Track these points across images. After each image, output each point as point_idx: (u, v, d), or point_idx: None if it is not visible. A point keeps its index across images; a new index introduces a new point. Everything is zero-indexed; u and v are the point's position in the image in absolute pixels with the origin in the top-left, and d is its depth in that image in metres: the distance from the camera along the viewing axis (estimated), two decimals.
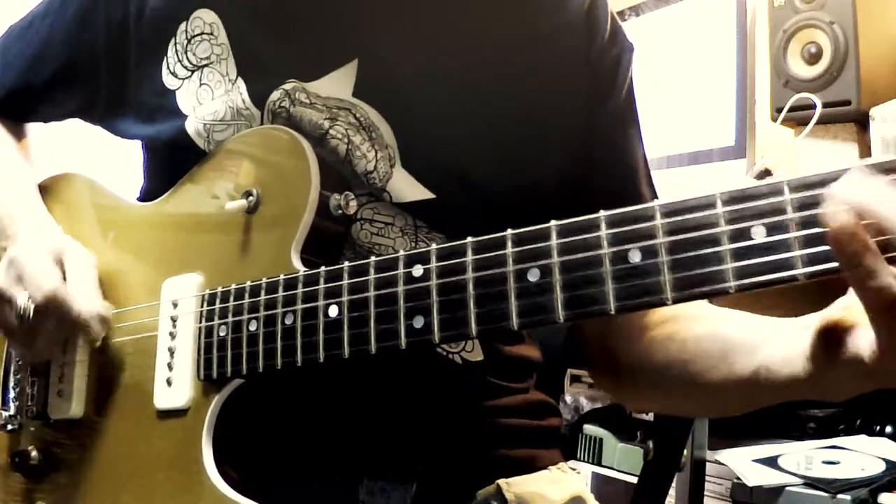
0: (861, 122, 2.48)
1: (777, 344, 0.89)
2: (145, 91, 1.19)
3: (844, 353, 0.78)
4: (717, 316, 1.06)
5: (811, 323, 0.83)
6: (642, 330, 1.14)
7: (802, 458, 1.98)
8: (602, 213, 0.77)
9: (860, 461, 1.93)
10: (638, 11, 3.24)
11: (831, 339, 0.80)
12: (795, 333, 0.86)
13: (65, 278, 1.13)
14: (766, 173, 2.44)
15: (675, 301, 0.73)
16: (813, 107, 2.45)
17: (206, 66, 1.15)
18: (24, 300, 1.10)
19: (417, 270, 0.87)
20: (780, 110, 2.57)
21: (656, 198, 1.19)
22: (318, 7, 1.14)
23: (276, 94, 1.11)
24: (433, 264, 0.86)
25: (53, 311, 1.10)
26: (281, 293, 0.97)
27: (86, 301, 1.11)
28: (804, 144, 2.56)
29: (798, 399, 0.90)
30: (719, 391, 1.00)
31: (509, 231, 0.82)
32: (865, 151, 2.47)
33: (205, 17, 1.16)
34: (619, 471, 2.39)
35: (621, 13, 3.18)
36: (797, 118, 2.57)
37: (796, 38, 2.58)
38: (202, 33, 1.15)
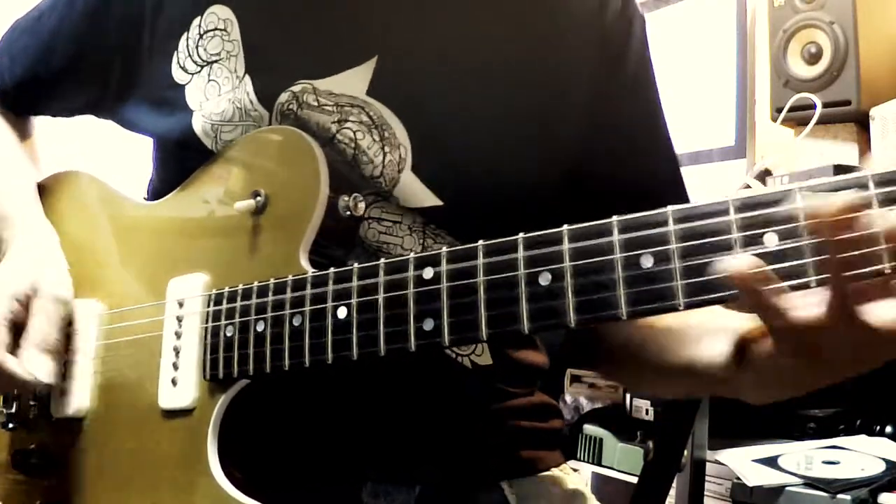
0: (861, 122, 2.48)
1: (704, 343, 0.93)
2: (155, 85, 1.19)
3: (750, 361, 0.83)
4: None
5: (734, 326, 0.88)
6: None
7: (802, 458, 1.98)
8: (615, 217, 0.77)
9: (860, 461, 1.93)
10: None
11: (743, 347, 0.85)
12: (720, 335, 0.90)
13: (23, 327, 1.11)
14: (766, 173, 2.44)
15: (688, 307, 0.73)
16: (813, 107, 2.45)
17: (215, 61, 1.15)
18: None
19: (428, 273, 0.87)
20: (780, 110, 2.58)
21: (677, 171, 1.23)
22: (337, 6, 1.14)
23: (284, 97, 1.11)
24: (443, 267, 0.86)
25: None
26: (289, 294, 0.97)
27: (27, 367, 1.09)
28: (804, 144, 2.56)
29: (722, 395, 0.93)
30: (662, 376, 1.07)
31: (521, 235, 0.82)
32: (865, 151, 2.47)
33: (219, 13, 1.15)
34: (619, 471, 2.39)
35: None
36: (797, 118, 2.58)
37: (796, 38, 2.59)
38: (215, 29, 1.15)
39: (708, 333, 0.94)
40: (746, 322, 0.85)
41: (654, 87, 1.26)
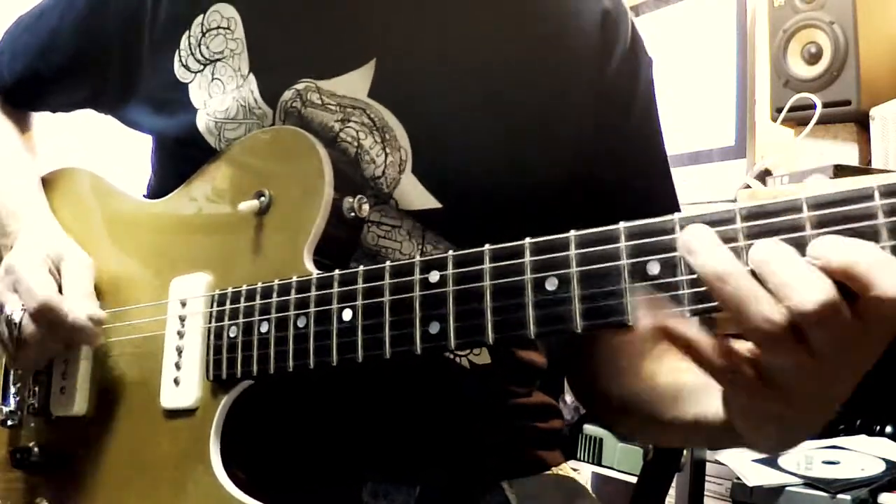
0: (861, 122, 2.48)
1: (714, 395, 0.90)
2: (157, 83, 1.19)
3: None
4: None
5: None
6: (614, 360, 1.17)
7: (802, 458, 1.98)
8: (622, 224, 0.77)
9: (860, 461, 1.93)
10: (638, 11, 3.22)
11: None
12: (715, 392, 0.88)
13: (61, 285, 1.13)
14: (766, 173, 2.45)
15: (694, 314, 0.73)
16: (813, 107, 2.46)
17: (219, 60, 1.15)
18: (16, 308, 1.12)
19: (434, 276, 0.86)
20: (780, 110, 2.58)
21: (673, 203, 1.20)
22: (338, 6, 1.14)
23: (288, 94, 1.11)
24: (450, 271, 0.86)
25: (46, 319, 1.11)
26: (294, 295, 0.97)
27: (79, 308, 1.11)
28: (804, 144, 2.56)
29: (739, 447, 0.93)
30: (670, 430, 1.06)
31: (528, 240, 0.82)
32: (865, 151, 2.48)
33: (223, 12, 1.15)
34: (619, 471, 2.39)
35: None
36: (797, 118, 2.58)
37: (796, 38, 2.59)
38: (218, 27, 1.15)
39: (712, 388, 0.92)
40: None
41: (653, 89, 1.26)
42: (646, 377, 1.10)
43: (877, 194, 0.67)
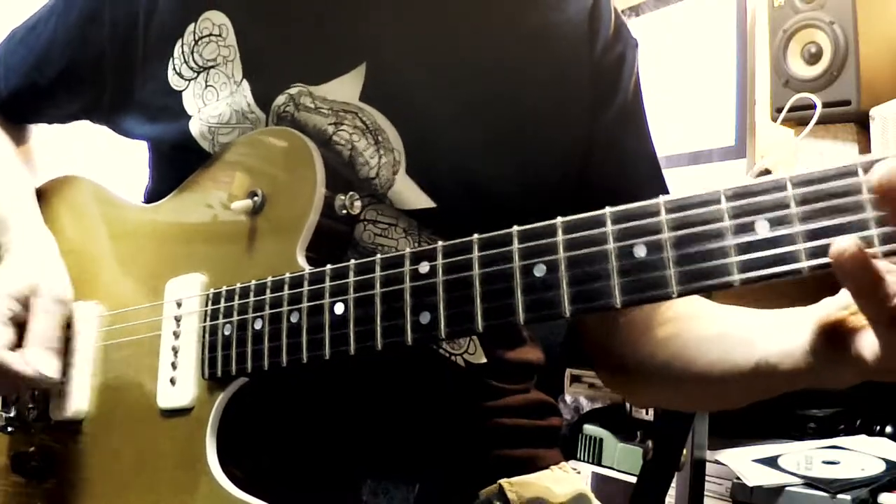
0: (861, 122, 2.48)
1: (775, 337, 0.89)
2: (151, 91, 1.19)
3: (847, 352, 0.79)
4: (716, 314, 1.07)
5: (809, 317, 0.83)
6: (643, 331, 1.14)
7: (802, 458, 1.98)
8: (607, 209, 0.78)
9: (860, 461, 1.93)
10: (638, 11, 3.24)
11: (834, 337, 0.80)
12: (793, 327, 0.86)
13: (25, 327, 1.12)
14: (766, 173, 2.44)
15: (681, 294, 0.74)
16: (813, 107, 2.45)
17: (212, 67, 1.15)
18: None
19: (424, 267, 0.87)
20: (780, 110, 2.58)
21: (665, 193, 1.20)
22: (327, 11, 1.14)
23: (281, 99, 1.11)
24: (439, 261, 0.86)
25: None
26: (286, 291, 0.97)
27: (31, 362, 1.10)
28: (804, 144, 2.56)
29: (798, 388, 0.90)
30: (721, 386, 1.01)
31: (515, 228, 0.83)
32: (865, 151, 2.47)
33: (214, 19, 1.15)
34: (619, 471, 2.39)
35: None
36: (797, 118, 2.58)
37: (796, 38, 2.59)
38: (210, 34, 1.15)
39: (767, 331, 0.91)
40: (826, 316, 0.81)
41: (638, 72, 1.26)
42: (681, 339, 1.08)
43: (860, 171, 0.68)
